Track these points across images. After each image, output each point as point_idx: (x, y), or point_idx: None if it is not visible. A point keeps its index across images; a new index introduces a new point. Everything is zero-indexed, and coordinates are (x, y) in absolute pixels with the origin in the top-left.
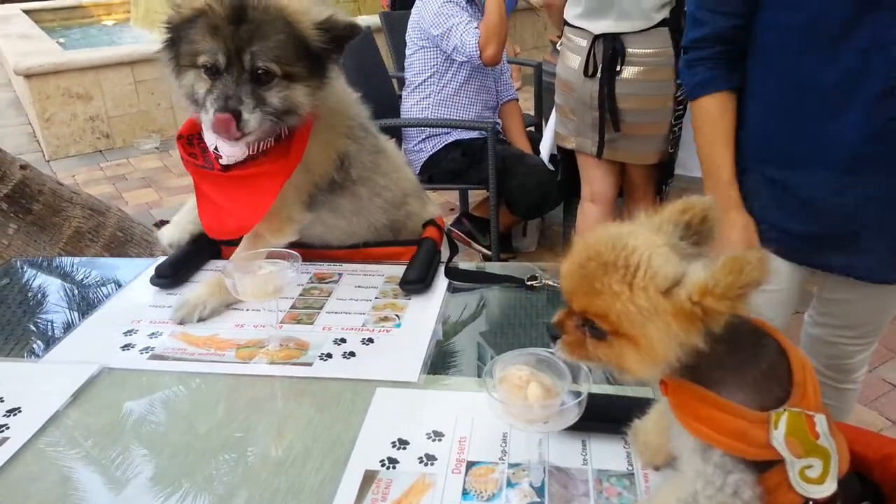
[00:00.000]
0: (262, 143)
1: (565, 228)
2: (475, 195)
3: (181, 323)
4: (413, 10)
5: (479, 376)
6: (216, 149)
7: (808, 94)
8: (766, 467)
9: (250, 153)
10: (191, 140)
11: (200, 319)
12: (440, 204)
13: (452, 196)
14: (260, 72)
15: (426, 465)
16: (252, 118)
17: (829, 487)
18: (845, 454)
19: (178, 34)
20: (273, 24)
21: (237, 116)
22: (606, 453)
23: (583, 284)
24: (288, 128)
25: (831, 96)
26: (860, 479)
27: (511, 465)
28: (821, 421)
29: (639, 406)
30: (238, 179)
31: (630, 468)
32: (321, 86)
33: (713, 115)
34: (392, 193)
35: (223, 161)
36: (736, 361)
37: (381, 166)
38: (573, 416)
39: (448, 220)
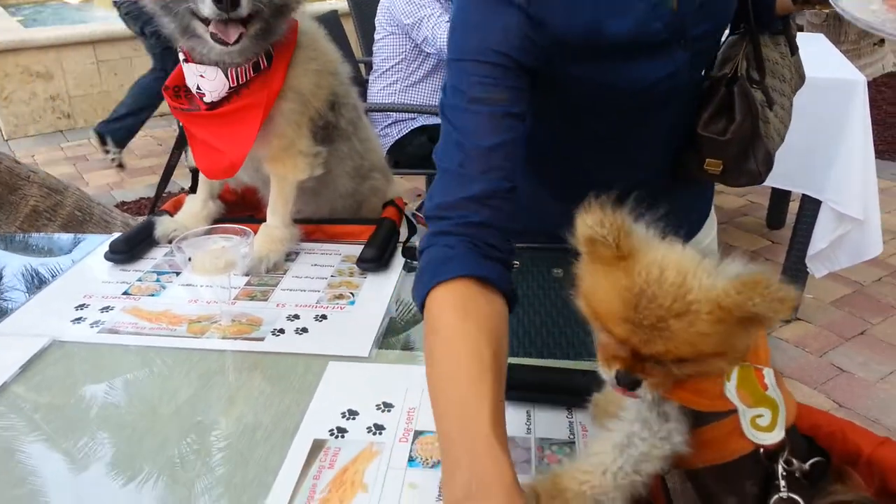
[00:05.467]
0: (241, 75)
1: None
2: None
3: (247, 275)
4: None
5: None
6: (199, 87)
7: None
8: (705, 419)
9: (231, 85)
10: (177, 91)
11: (267, 271)
12: (407, 190)
13: (419, 181)
14: None
15: (375, 434)
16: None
17: (777, 435)
18: (792, 407)
19: None
20: None
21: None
22: (550, 423)
23: (650, 332)
24: (266, 57)
25: None
26: (809, 442)
27: None
28: (768, 374)
29: (586, 379)
30: (224, 117)
31: (572, 437)
32: None
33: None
34: (363, 161)
35: (207, 98)
36: None
37: (360, 129)
38: None
39: (414, 205)
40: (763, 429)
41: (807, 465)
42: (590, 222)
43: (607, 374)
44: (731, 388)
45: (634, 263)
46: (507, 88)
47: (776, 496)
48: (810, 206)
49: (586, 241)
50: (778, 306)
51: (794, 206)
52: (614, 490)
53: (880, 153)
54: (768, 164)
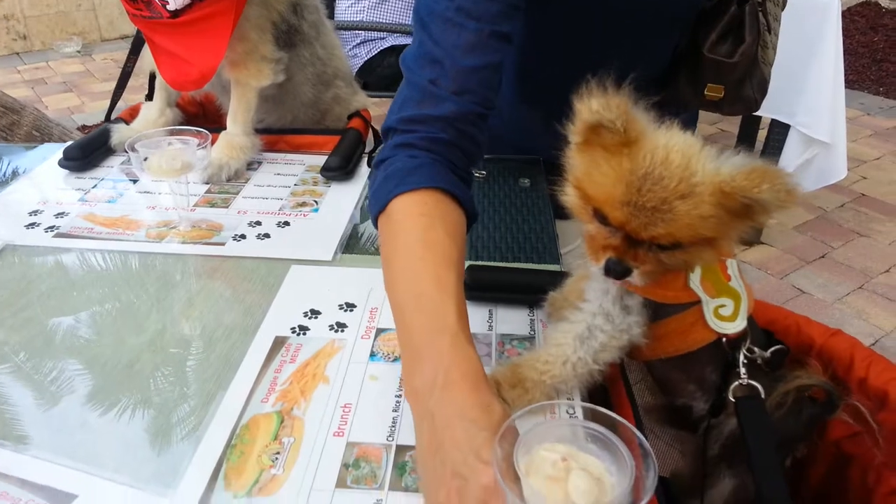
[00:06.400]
0: None
1: None
2: None
3: (207, 182)
4: None
5: None
6: None
7: None
8: (666, 311)
9: None
10: None
11: (228, 179)
12: (377, 116)
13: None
14: None
15: (337, 332)
16: None
17: (739, 324)
18: (752, 299)
19: None
20: None
21: None
22: (511, 320)
23: (646, 215)
24: None
25: None
26: (767, 336)
27: None
28: (731, 265)
29: (546, 279)
30: (189, 25)
31: (532, 332)
32: None
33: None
34: (325, 68)
35: (170, 7)
36: None
37: (322, 34)
38: None
39: None
40: (725, 318)
41: (768, 353)
42: (595, 106)
43: (597, 264)
44: (695, 280)
45: (639, 147)
46: (500, 1)
47: (735, 383)
48: (779, 133)
49: (589, 126)
50: (785, 197)
51: (762, 135)
52: (573, 379)
53: (850, 83)
54: (763, 91)
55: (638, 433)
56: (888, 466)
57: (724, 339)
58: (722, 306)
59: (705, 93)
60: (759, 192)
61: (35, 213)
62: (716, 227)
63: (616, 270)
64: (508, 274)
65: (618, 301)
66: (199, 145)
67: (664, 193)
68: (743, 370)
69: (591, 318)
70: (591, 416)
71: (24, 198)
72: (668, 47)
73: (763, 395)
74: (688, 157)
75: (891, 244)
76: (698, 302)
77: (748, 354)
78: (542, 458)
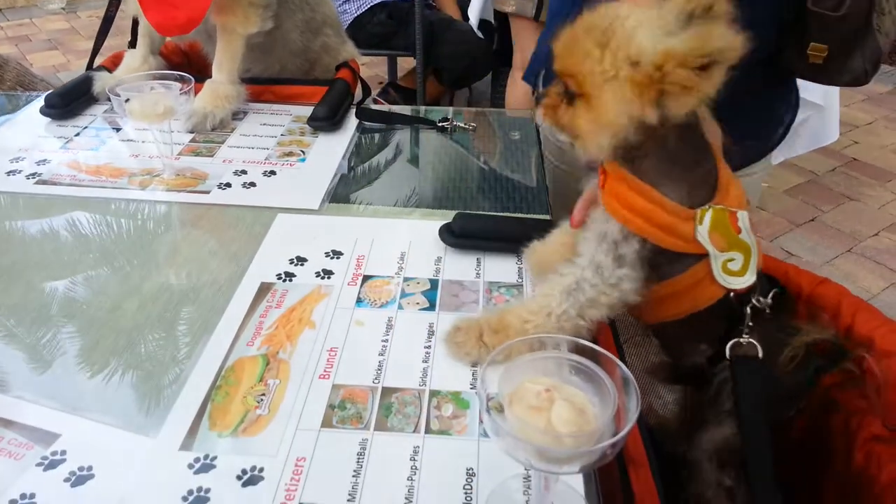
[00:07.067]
0: None
1: (493, 99)
2: (403, 66)
3: (192, 132)
4: None
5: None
6: None
7: None
8: (670, 271)
9: None
10: None
11: (213, 129)
12: (368, 77)
13: (381, 70)
14: None
15: (323, 278)
16: None
17: (748, 279)
18: (761, 253)
19: None
20: None
21: None
22: (499, 268)
23: (566, 46)
24: None
25: None
26: (768, 280)
27: (406, 279)
28: (742, 217)
29: (534, 227)
30: None
31: (520, 280)
32: None
33: None
34: (314, 14)
35: None
36: (677, 167)
37: None
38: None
39: (375, 93)
40: (735, 273)
41: (769, 299)
42: None
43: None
44: (702, 231)
45: None
46: None
47: (734, 340)
48: None
49: None
50: (732, 41)
51: None
52: (557, 332)
53: None
54: (875, 64)
55: (621, 364)
56: (871, 412)
57: (731, 294)
58: (731, 260)
59: (808, 52)
60: (708, 46)
61: (16, 160)
62: (602, 85)
63: (536, 98)
64: (496, 222)
65: (611, 251)
66: (181, 90)
67: (586, 34)
68: (746, 329)
69: (580, 271)
70: (574, 349)
71: (4, 145)
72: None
73: (760, 354)
74: (640, 19)
75: (880, 208)
76: (705, 256)
77: (755, 305)
78: (526, 390)
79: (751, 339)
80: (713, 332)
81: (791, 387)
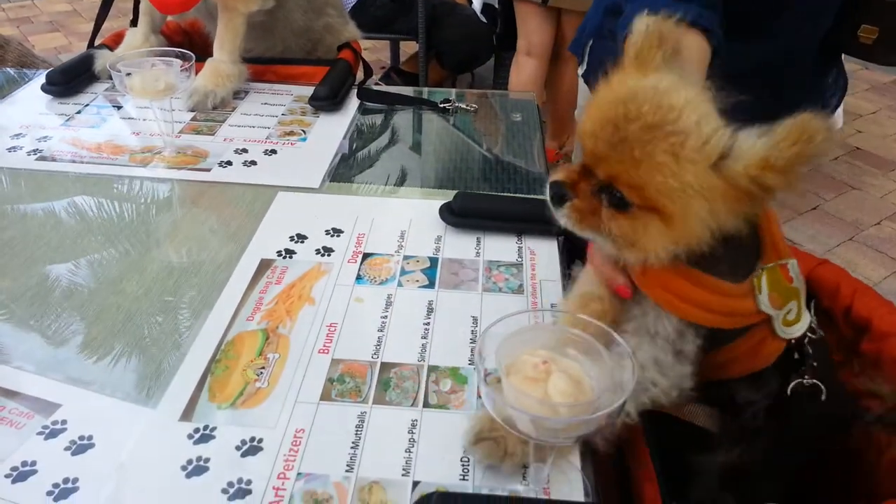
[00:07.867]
0: None
1: (496, 84)
2: (406, 51)
3: (193, 110)
4: None
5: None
6: None
7: None
8: (729, 336)
9: None
10: None
11: (214, 107)
12: (370, 61)
13: (383, 55)
14: None
15: (323, 255)
16: None
17: (804, 323)
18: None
19: None
20: None
21: None
22: (498, 247)
23: (618, 150)
24: None
25: None
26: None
27: (406, 258)
28: (793, 266)
29: (532, 206)
30: None
31: (519, 259)
32: None
33: None
34: None
35: None
36: (720, 244)
37: None
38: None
39: (378, 77)
40: (792, 322)
41: (813, 314)
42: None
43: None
44: (763, 300)
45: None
46: None
47: (796, 381)
48: None
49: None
50: (832, 135)
51: None
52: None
53: None
54: None
55: (619, 338)
56: (868, 395)
57: (792, 341)
58: (788, 312)
59: (859, 34)
60: (814, 149)
61: (17, 136)
62: (684, 201)
63: (554, 194)
64: (496, 202)
65: (670, 348)
66: (182, 67)
67: (644, 135)
68: (808, 370)
69: (640, 371)
70: (573, 322)
71: (4, 121)
72: None
73: (824, 397)
74: (694, 105)
75: (882, 197)
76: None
77: (811, 337)
78: (524, 362)
79: (814, 381)
80: (772, 383)
81: (841, 416)
